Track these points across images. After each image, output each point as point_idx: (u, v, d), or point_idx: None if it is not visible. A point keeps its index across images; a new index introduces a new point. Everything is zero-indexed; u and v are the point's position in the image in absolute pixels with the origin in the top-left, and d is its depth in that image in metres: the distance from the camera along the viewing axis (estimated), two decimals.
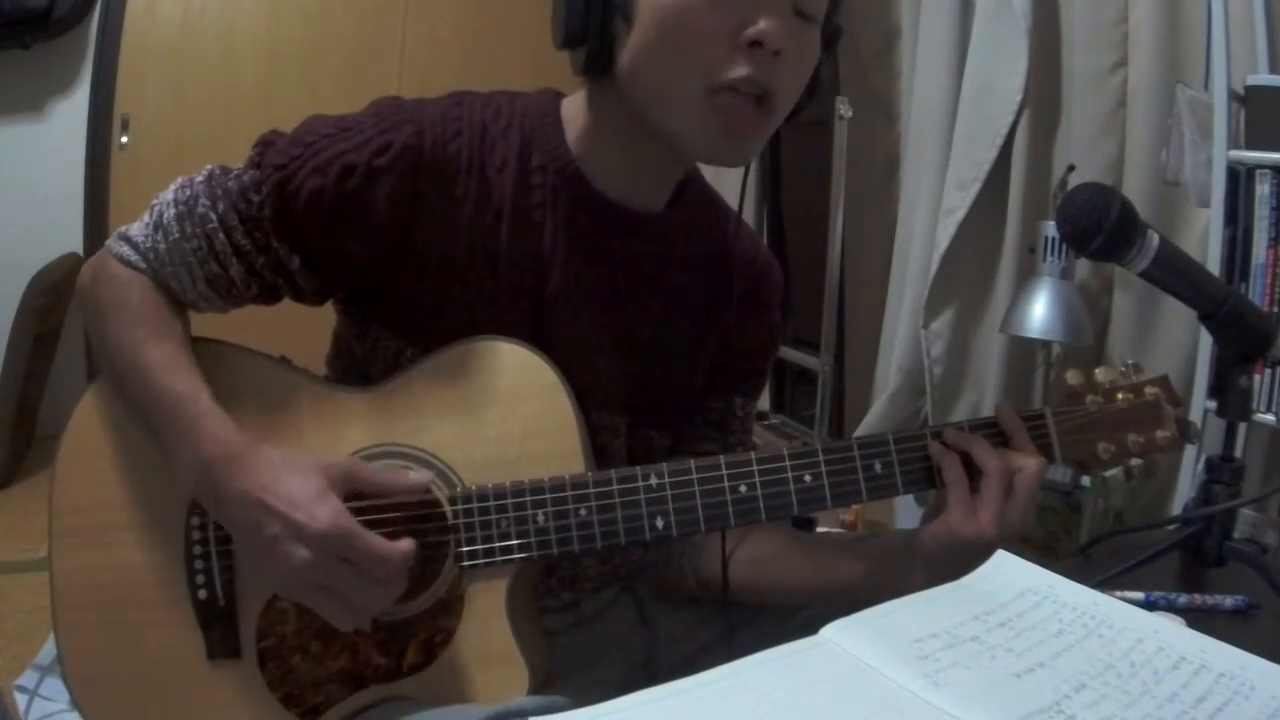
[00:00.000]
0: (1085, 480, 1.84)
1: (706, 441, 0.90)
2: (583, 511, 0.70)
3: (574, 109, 0.80)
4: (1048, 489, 1.90)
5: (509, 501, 0.70)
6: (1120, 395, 0.75)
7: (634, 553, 0.89)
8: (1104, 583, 0.73)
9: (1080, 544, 1.02)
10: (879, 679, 0.49)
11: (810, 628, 0.55)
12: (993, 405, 2.38)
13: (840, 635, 0.53)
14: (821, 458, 0.71)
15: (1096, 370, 0.77)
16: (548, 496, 0.70)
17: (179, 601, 0.73)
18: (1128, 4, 2.10)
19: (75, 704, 0.75)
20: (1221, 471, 0.79)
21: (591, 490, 0.70)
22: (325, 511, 0.64)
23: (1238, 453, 0.80)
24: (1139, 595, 0.72)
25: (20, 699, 1.30)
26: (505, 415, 0.72)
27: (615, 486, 0.70)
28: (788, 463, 0.71)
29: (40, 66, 2.69)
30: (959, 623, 0.56)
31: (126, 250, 0.76)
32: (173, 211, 0.75)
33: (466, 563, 0.70)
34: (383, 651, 0.71)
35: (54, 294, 2.45)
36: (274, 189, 0.73)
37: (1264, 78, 1.68)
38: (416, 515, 0.71)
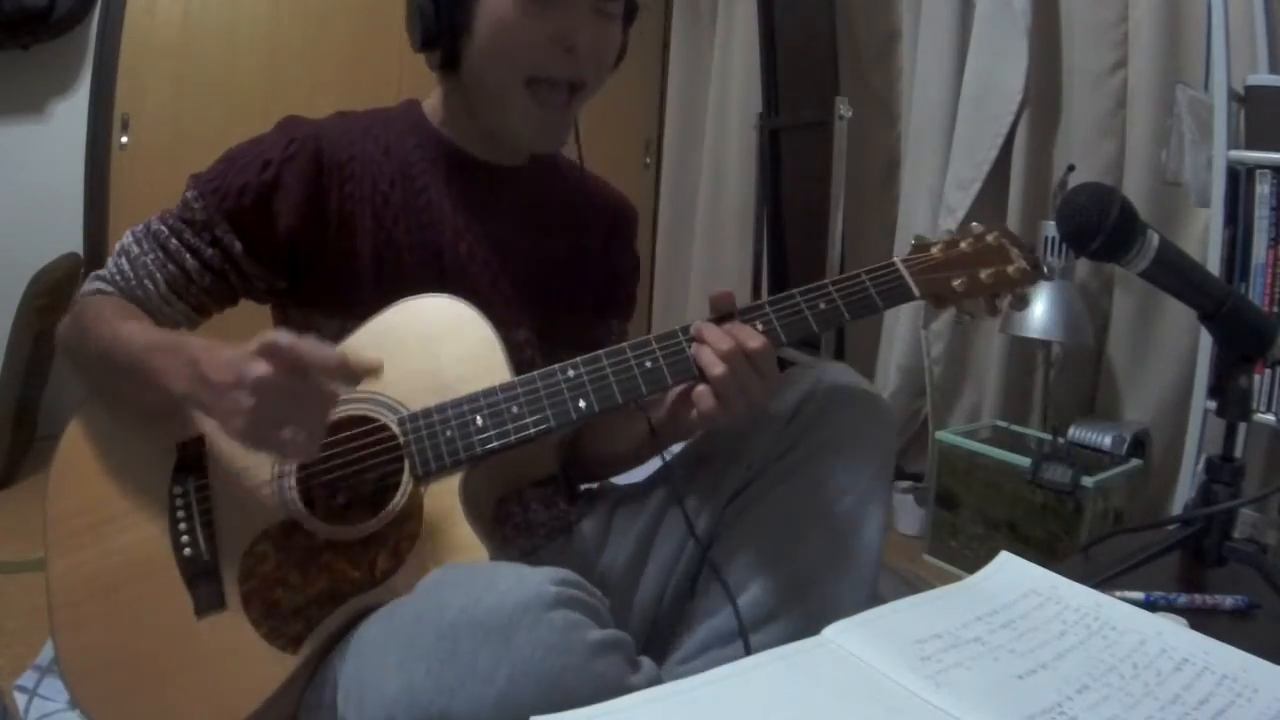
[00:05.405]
0: (1085, 480, 1.84)
1: None
2: (515, 409, 0.79)
3: (433, 104, 0.99)
4: (1048, 488, 1.90)
5: (450, 413, 0.80)
6: (963, 244, 0.84)
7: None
8: (1104, 583, 0.73)
9: (1080, 544, 1.02)
10: (881, 679, 0.49)
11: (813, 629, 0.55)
12: (992, 405, 2.40)
13: (843, 636, 0.54)
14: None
15: (939, 234, 0.86)
16: (482, 402, 0.80)
17: (166, 568, 0.78)
18: (1128, 4, 2.10)
19: (72, 698, 0.76)
20: (1221, 471, 0.79)
21: (520, 390, 0.80)
22: (251, 353, 0.69)
23: (1238, 453, 0.80)
24: (1139, 595, 0.73)
25: (20, 699, 1.30)
26: (436, 350, 0.83)
27: (540, 383, 0.80)
28: (682, 339, 0.81)
29: (40, 66, 2.67)
30: (962, 624, 0.56)
31: (97, 284, 0.91)
32: (130, 238, 0.92)
33: (420, 471, 0.78)
34: (356, 565, 0.77)
35: (54, 294, 2.44)
36: (210, 195, 0.89)
37: (1264, 78, 1.68)
38: (372, 442, 0.80)
